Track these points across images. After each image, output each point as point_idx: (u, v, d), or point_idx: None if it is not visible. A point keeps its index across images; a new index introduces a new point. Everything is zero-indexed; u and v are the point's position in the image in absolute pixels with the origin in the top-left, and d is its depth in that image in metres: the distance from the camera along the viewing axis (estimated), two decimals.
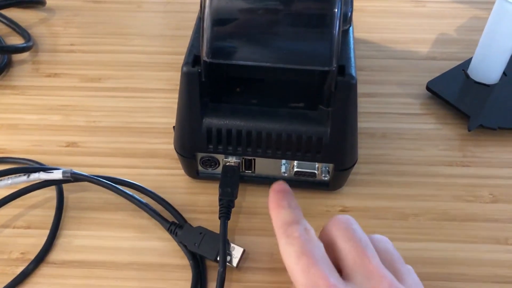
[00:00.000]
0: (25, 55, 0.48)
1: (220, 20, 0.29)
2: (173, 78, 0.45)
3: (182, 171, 0.37)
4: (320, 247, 0.25)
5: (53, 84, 0.45)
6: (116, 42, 0.49)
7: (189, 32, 0.49)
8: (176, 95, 0.43)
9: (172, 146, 0.36)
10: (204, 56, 0.29)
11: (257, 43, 0.29)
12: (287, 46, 0.29)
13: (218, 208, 0.33)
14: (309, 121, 0.31)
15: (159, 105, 0.43)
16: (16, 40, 0.50)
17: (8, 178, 0.33)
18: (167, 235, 0.33)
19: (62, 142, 0.40)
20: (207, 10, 0.28)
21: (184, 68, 0.30)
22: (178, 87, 0.44)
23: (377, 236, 0.27)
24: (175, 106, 0.42)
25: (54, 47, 0.49)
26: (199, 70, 0.30)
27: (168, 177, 0.37)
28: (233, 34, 0.29)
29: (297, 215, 0.27)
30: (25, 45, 0.46)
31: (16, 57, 0.47)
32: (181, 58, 0.46)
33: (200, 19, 0.31)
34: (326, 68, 0.29)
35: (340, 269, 0.25)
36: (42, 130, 0.41)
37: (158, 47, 0.49)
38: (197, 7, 0.53)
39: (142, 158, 0.38)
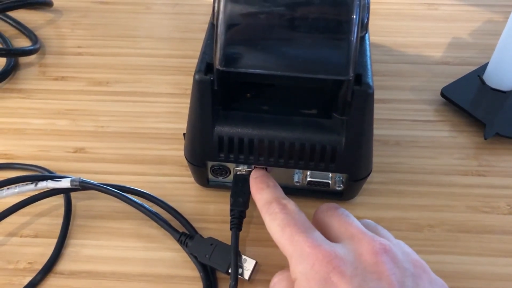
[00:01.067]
0: (31, 58, 0.47)
1: (233, 27, 0.28)
2: (182, 82, 0.44)
3: (191, 179, 0.36)
4: (301, 216, 0.27)
5: (60, 88, 0.44)
6: (124, 44, 0.48)
7: (198, 35, 0.49)
8: (185, 100, 0.42)
9: (181, 152, 0.36)
10: (217, 64, 0.28)
11: (272, 52, 0.28)
12: (302, 54, 0.28)
13: (228, 217, 0.32)
14: (323, 130, 0.31)
15: (167, 110, 0.42)
16: (23, 41, 0.49)
17: (16, 186, 0.32)
18: (177, 245, 0.33)
19: (70, 148, 0.39)
20: (221, 17, 0.28)
21: (197, 76, 0.30)
22: (187, 92, 0.43)
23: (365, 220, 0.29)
24: (184, 111, 0.41)
25: (61, 49, 0.48)
26: (212, 78, 0.29)
27: (177, 185, 0.37)
28: (247, 42, 0.28)
29: (276, 193, 0.29)
30: (32, 47, 0.46)
31: (23, 59, 0.47)
32: (190, 62, 0.46)
33: (213, 25, 0.31)
34: (343, 77, 0.28)
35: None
36: (49, 135, 0.40)
37: (167, 50, 0.48)
38: (206, 9, 0.53)
39: (150, 165, 0.38)
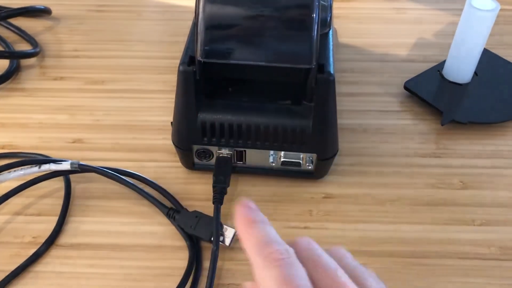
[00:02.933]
0: (32, 60, 0.51)
1: (212, 24, 0.32)
2: (171, 80, 0.49)
3: (179, 163, 0.40)
4: (302, 272, 0.22)
5: (59, 87, 0.48)
6: (117, 48, 0.53)
7: (185, 39, 0.53)
8: (173, 96, 0.47)
9: (170, 142, 0.40)
10: (199, 56, 0.33)
11: (246, 44, 0.33)
12: (272, 46, 0.32)
13: (212, 195, 0.36)
14: (294, 115, 0.35)
15: (158, 104, 0.46)
16: (24, 46, 0.53)
17: (21, 169, 0.36)
18: (166, 220, 0.37)
19: (69, 139, 0.43)
20: (200, 15, 0.32)
21: (181, 67, 0.34)
22: (175, 88, 0.48)
23: (335, 248, 0.25)
24: (173, 105, 0.46)
25: (59, 52, 0.52)
26: (194, 69, 0.34)
27: (166, 169, 0.41)
28: (224, 36, 0.32)
29: (272, 233, 0.23)
30: (32, 51, 0.50)
31: (24, 62, 0.51)
32: (178, 62, 0.50)
33: (195, 24, 0.35)
34: (307, 66, 0.32)
35: None
36: (49, 128, 0.44)
37: (157, 52, 0.52)
38: (192, 16, 0.57)
39: (142, 153, 0.42)
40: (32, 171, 0.36)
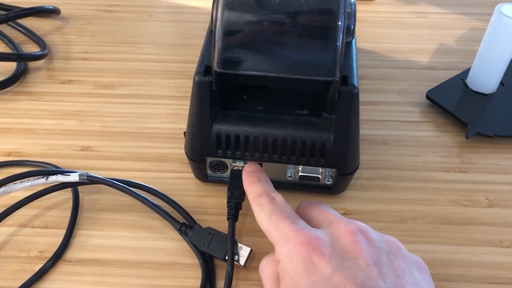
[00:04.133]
0: (40, 63, 0.50)
1: (230, 33, 0.30)
2: (183, 86, 0.47)
3: (191, 175, 0.38)
4: (287, 207, 0.30)
5: (67, 91, 0.47)
6: (127, 50, 0.51)
7: (197, 41, 0.52)
8: (185, 102, 0.45)
9: (182, 151, 0.38)
10: (215, 67, 0.31)
11: (265, 55, 0.31)
12: (293, 57, 0.31)
13: (226, 210, 0.34)
14: (313, 128, 0.33)
15: (169, 111, 0.45)
16: (31, 47, 0.52)
17: (28, 180, 0.34)
18: (177, 235, 0.35)
19: (77, 146, 0.41)
20: (218, 23, 0.30)
21: (196, 78, 0.32)
22: (187, 94, 0.46)
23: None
24: (185, 112, 0.44)
25: (68, 54, 0.51)
26: (210, 80, 0.32)
27: (178, 180, 0.39)
28: (242, 46, 0.31)
29: (266, 187, 0.31)
30: (41, 53, 0.48)
31: (32, 64, 0.49)
32: (190, 66, 0.49)
33: (212, 31, 0.33)
34: (330, 78, 0.30)
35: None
36: (57, 135, 0.43)
37: (168, 56, 0.50)
38: (205, 17, 0.55)
39: (153, 162, 0.40)
40: (39, 183, 0.35)
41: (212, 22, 0.33)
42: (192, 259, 0.34)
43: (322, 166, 0.34)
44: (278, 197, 0.31)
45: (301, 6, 0.30)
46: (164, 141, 0.42)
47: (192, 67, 0.48)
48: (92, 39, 0.52)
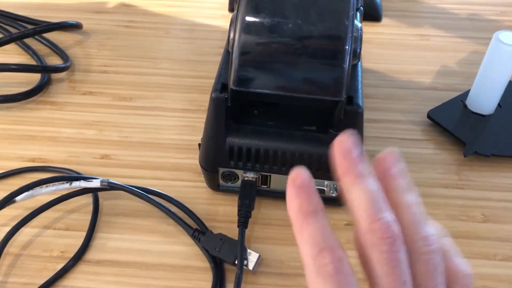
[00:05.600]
0: (63, 74, 0.52)
1: (246, 54, 0.33)
2: (197, 100, 0.50)
3: (204, 184, 0.41)
4: (353, 276, 0.21)
5: (88, 102, 0.49)
6: (145, 64, 0.54)
7: (212, 58, 0.54)
8: (199, 115, 0.48)
9: (194, 161, 0.41)
10: (231, 84, 0.34)
11: (278, 75, 0.33)
12: (303, 77, 0.33)
13: (236, 218, 0.37)
14: (320, 143, 0.36)
15: (183, 123, 0.47)
16: (54, 59, 0.55)
17: (53, 185, 0.37)
18: (190, 240, 0.37)
19: (97, 154, 0.44)
20: (236, 45, 0.33)
21: (213, 94, 0.35)
22: (201, 108, 0.49)
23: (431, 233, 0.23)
24: (198, 124, 0.47)
25: (89, 67, 0.54)
26: (226, 96, 0.35)
27: (191, 189, 0.41)
28: (257, 66, 0.33)
29: (326, 232, 0.22)
30: (64, 65, 0.51)
31: (55, 75, 0.52)
32: (204, 82, 0.52)
33: (228, 51, 0.36)
34: (337, 98, 0.33)
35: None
36: (78, 143, 0.45)
37: (184, 71, 0.53)
38: (219, 35, 0.58)
39: (168, 171, 0.43)
40: (63, 187, 0.37)
41: (229, 43, 0.35)
42: (203, 263, 0.36)
43: (327, 179, 0.37)
44: (346, 261, 0.21)
45: (312, 31, 0.33)
46: (178, 151, 0.45)
47: (206, 83, 0.51)
48: (112, 53, 0.55)
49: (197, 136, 0.45)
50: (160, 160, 0.44)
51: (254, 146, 0.36)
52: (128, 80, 0.52)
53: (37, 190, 0.37)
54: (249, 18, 0.33)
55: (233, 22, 0.34)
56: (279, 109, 0.38)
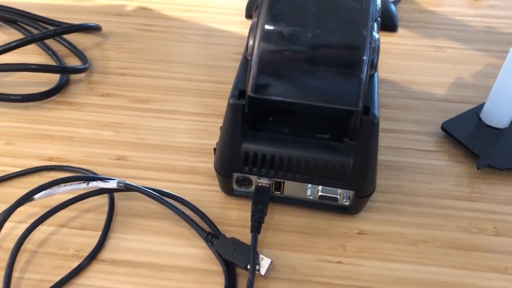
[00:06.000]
0: (81, 75, 0.53)
1: (264, 62, 0.34)
2: (212, 104, 0.50)
3: (217, 188, 0.41)
4: None
5: (105, 103, 0.50)
6: (162, 68, 0.55)
7: (227, 63, 0.55)
8: (214, 120, 0.48)
9: (208, 165, 0.41)
10: (249, 91, 0.34)
11: (295, 83, 0.34)
12: (321, 87, 0.34)
13: (249, 223, 0.37)
14: (335, 152, 0.36)
15: (198, 127, 0.48)
16: (73, 61, 0.55)
17: (71, 184, 0.38)
18: (203, 243, 0.38)
19: (113, 155, 0.45)
20: (254, 53, 0.33)
21: (231, 100, 0.35)
22: (216, 113, 0.49)
23: None
24: (212, 129, 0.47)
25: (106, 69, 0.54)
26: (243, 103, 0.35)
27: (204, 192, 0.42)
28: (275, 74, 0.34)
29: None
30: (82, 66, 0.52)
31: (73, 76, 0.53)
32: (220, 87, 0.52)
33: (246, 58, 0.37)
34: (353, 108, 0.33)
35: None
36: (95, 144, 0.46)
37: (199, 75, 0.54)
38: (235, 41, 0.59)
39: (182, 174, 0.43)
40: (81, 187, 0.38)
41: (247, 50, 0.36)
42: (216, 267, 0.37)
43: (341, 188, 0.37)
44: None
45: (330, 41, 0.34)
46: (192, 155, 0.45)
47: (222, 88, 0.52)
48: (130, 55, 0.56)
49: (212, 140, 0.46)
50: (175, 163, 0.44)
51: (269, 152, 0.37)
52: (145, 83, 0.53)
53: (55, 189, 0.37)
54: (268, 27, 0.34)
55: (252, 30, 0.35)
56: (295, 116, 0.38)
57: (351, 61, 0.34)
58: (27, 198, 0.36)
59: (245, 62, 0.37)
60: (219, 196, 0.41)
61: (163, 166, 0.44)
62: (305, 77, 0.34)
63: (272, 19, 0.34)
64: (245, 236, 0.37)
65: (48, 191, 0.37)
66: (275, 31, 0.34)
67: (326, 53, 0.34)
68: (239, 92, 0.35)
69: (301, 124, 0.38)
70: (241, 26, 0.62)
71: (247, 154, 0.37)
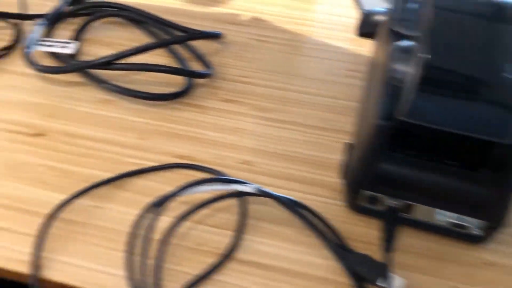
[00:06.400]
0: (203, 80, 0.56)
1: (424, 90, 0.35)
2: (330, 119, 0.52)
3: (337, 202, 0.43)
4: None
5: (229, 109, 0.53)
6: (278, 79, 0.57)
7: (340, 79, 0.57)
8: (333, 134, 0.50)
9: (328, 178, 0.44)
10: (401, 115, 0.35)
11: (454, 113, 0.35)
12: (478, 118, 0.34)
13: (372, 240, 0.39)
14: (473, 181, 0.37)
15: (316, 140, 0.50)
16: (194, 65, 0.59)
17: (213, 184, 0.40)
18: (329, 254, 0.39)
19: (239, 159, 0.47)
20: (412, 79, 0.35)
21: (378, 121, 0.37)
22: (335, 127, 0.51)
23: None
24: (331, 143, 0.49)
25: (227, 76, 0.57)
26: (390, 125, 0.36)
27: (325, 205, 0.43)
28: (433, 102, 0.35)
29: None
30: (208, 72, 0.55)
31: (197, 80, 0.56)
32: (336, 102, 0.54)
33: (389, 83, 0.38)
34: (506, 142, 0.34)
35: None
36: (220, 146, 0.49)
37: (314, 89, 0.56)
38: (347, 57, 0.60)
39: (302, 184, 0.45)
40: (219, 188, 0.41)
41: (395, 74, 0.37)
42: (342, 278, 0.38)
43: (477, 218, 0.38)
44: None
45: (498, 72, 0.34)
46: (310, 166, 0.47)
47: (337, 103, 0.54)
48: (248, 64, 0.59)
49: (329, 154, 0.48)
50: (294, 172, 0.46)
51: (405, 175, 0.38)
52: (263, 92, 0.55)
53: (199, 187, 0.40)
54: (432, 55, 0.35)
55: (403, 55, 0.36)
56: (435, 143, 0.39)
57: None
58: (175, 194, 0.39)
59: (388, 86, 0.38)
60: (342, 211, 0.43)
61: (284, 174, 0.46)
62: (465, 107, 0.34)
63: (436, 47, 0.35)
64: (369, 253, 0.38)
65: (193, 189, 0.40)
66: (438, 60, 0.35)
67: (490, 86, 0.34)
68: (386, 114, 0.37)
69: (439, 150, 0.39)
70: (351, 43, 0.63)
71: (382, 174, 0.38)
